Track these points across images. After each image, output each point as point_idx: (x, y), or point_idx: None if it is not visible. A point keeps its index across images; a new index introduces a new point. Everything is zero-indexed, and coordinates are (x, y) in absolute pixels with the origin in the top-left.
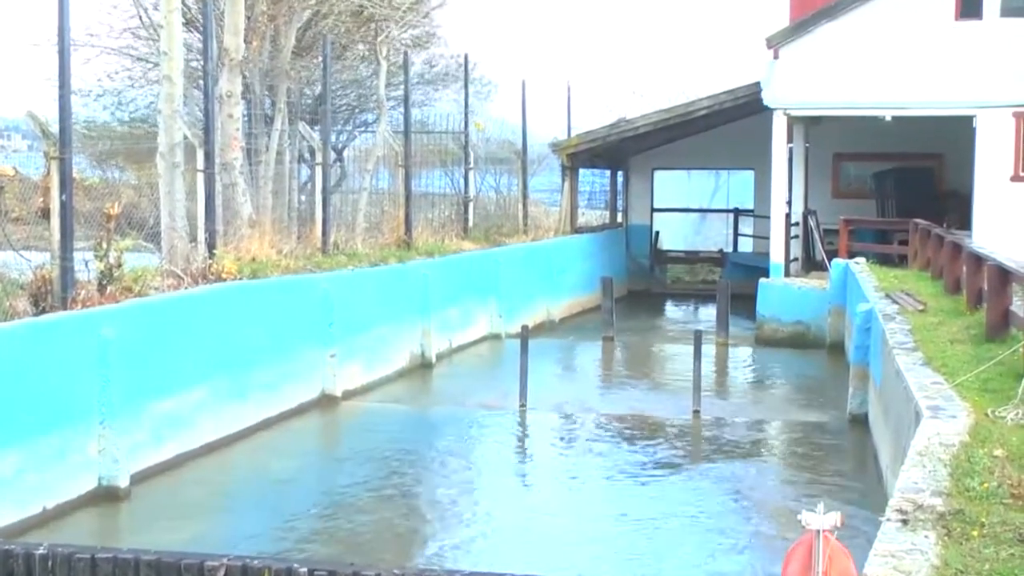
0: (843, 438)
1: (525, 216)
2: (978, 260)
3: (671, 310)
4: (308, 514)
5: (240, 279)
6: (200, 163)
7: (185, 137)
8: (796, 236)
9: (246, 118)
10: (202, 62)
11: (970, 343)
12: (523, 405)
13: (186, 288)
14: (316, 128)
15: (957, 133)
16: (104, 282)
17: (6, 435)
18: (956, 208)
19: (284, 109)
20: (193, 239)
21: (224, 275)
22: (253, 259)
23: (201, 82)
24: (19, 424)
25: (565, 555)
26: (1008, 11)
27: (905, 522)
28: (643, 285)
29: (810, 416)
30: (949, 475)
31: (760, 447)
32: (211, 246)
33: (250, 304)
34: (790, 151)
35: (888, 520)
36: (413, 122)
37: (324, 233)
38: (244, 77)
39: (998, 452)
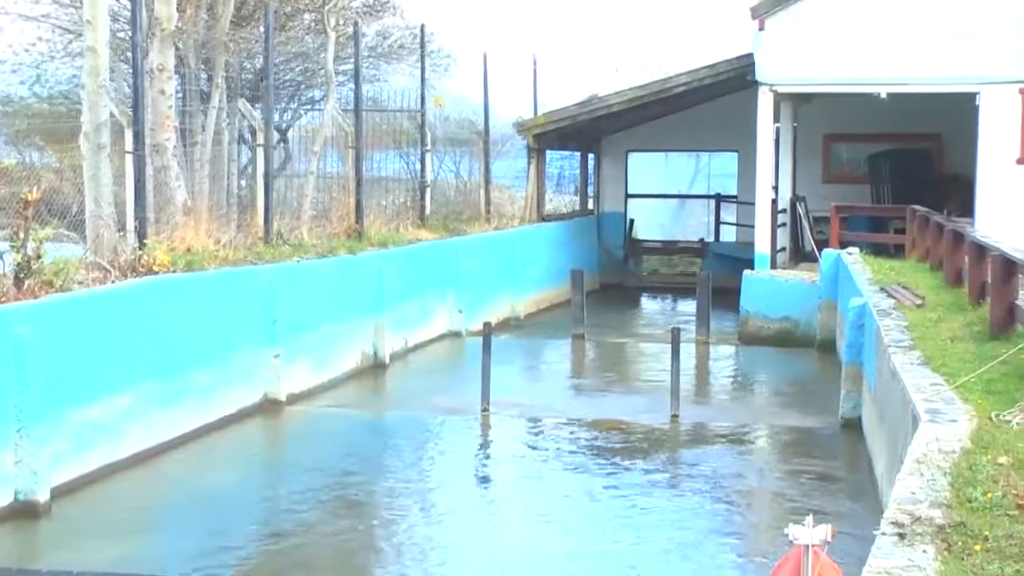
0: (834, 444)
1: (487, 203)
2: (981, 250)
3: (647, 305)
4: (248, 530)
5: (173, 272)
6: (129, 144)
7: (112, 115)
8: (783, 224)
9: (179, 95)
10: (130, 32)
11: (972, 341)
12: (485, 409)
13: (113, 282)
14: (257, 106)
15: (959, 111)
16: (21, 275)
17: None
18: (957, 193)
19: (222, 85)
20: (121, 228)
21: (156, 267)
22: (188, 250)
23: (129, 54)
24: None
25: (532, 574)
26: None
27: (902, 536)
28: (616, 278)
29: (798, 420)
30: (949, 484)
31: (744, 455)
32: (141, 236)
33: (185, 300)
34: (777, 131)
35: (883, 534)
36: (364, 99)
37: (267, 221)
38: (177, 49)
39: (1003, 459)
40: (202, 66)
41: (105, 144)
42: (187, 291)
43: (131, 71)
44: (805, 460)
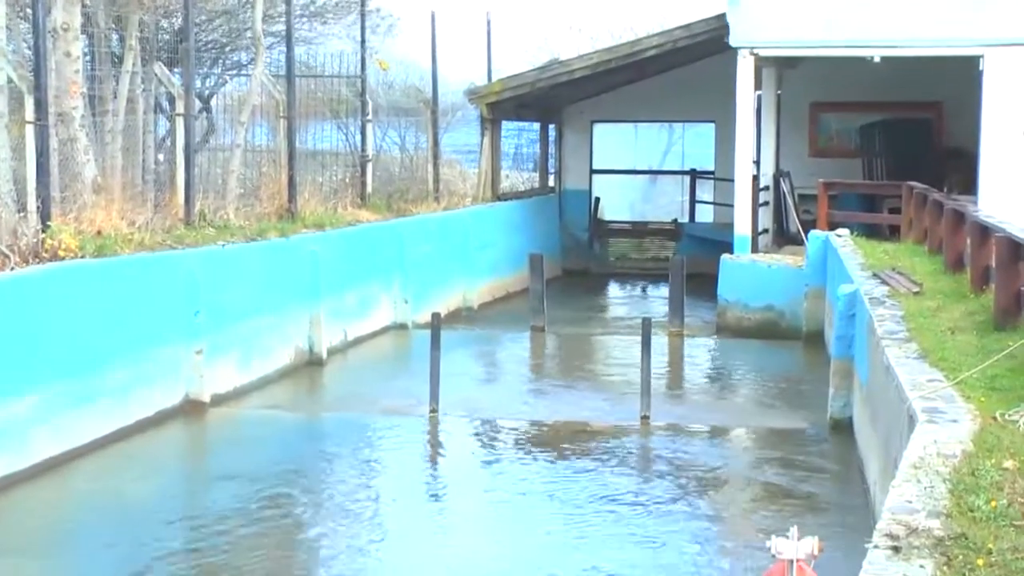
0: (823, 448)
1: (436, 180)
2: (984, 231)
3: (615, 293)
4: (167, 549)
5: (82, 257)
6: (30, 113)
7: (10, 80)
8: (765, 203)
9: (88, 57)
10: None
11: (974, 332)
12: (434, 410)
13: (13, 269)
14: (176, 70)
15: (960, 77)
16: None
17: None
18: (958, 168)
19: (136, 46)
20: (22, 208)
21: (61, 252)
22: (98, 232)
23: (29, 11)
24: None
25: None
26: None
27: (896, 549)
28: (580, 263)
29: (783, 422)
30: (949, 492)
31: (722, 460)
32: (44, 217)
33: (95, 289)
34: (758, 100)
35: (876, 547)
36: (298, 64)
37: (188, 201)
38: (84, 6)
39: (1008, 464)
40: (113, 25)
41: (2, 113)
42: (97, 279)
43: (31, 30)
44: (790, 465)
